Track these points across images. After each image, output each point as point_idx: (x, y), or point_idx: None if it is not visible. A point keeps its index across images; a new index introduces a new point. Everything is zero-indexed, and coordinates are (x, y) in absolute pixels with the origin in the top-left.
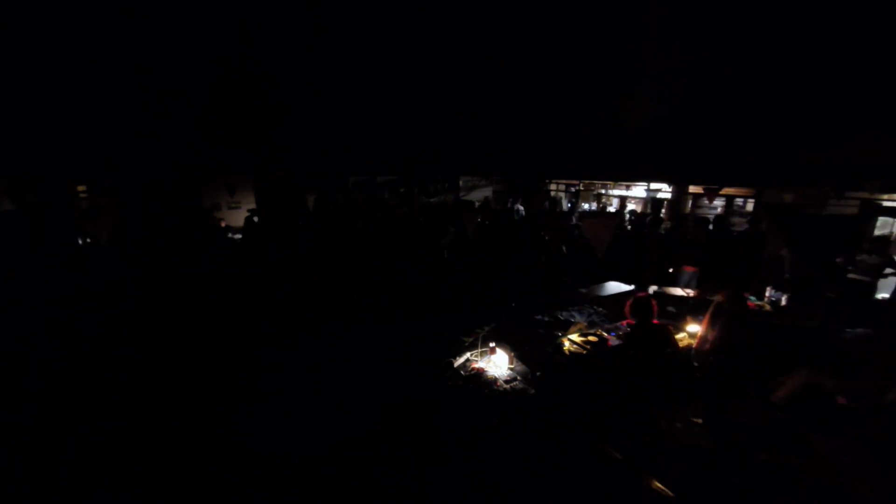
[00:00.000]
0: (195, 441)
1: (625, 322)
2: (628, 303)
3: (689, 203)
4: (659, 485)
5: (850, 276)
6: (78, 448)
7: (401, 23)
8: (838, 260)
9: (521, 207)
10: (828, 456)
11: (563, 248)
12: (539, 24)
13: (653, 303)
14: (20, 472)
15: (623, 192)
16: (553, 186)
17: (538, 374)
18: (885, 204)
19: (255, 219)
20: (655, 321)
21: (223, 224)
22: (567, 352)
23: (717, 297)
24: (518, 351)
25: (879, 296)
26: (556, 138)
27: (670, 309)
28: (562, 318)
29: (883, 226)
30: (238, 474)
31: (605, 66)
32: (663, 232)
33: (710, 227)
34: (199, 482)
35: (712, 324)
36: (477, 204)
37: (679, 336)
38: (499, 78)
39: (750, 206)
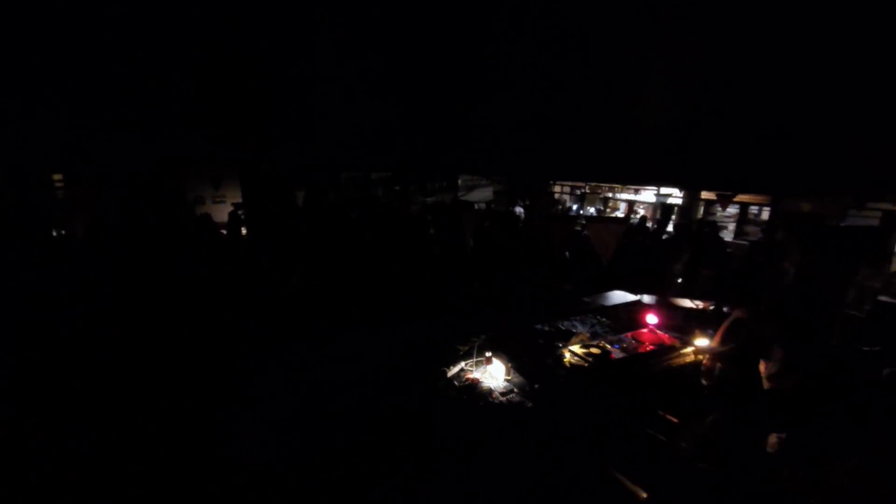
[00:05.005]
0: (175, 448)
1: (629, 334)
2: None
3: (701, 209)
4: None
5: (881, 298)
6: (51, 454)
7: (399, 12)
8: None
9: (522, 209)
10: (834, 478)
11: (567, 253)
12: (545, 16)
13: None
14: None
15: (631, 196)
16: (557, 188)
17: (536, 386)
18: None
19: (240, 213)
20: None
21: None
22: (567, 364)
23: (737, 313)
24: (516, 362)
25: None
26: (561, 137)
27: (676, 321)
28: (563, 327)
29: None
30: (220, 483)
31: (613, 61)
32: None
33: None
34: (180, 490)
35: (728, 340)
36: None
37: (686, 350)
38: (502, 72)
39: (765, 215)
